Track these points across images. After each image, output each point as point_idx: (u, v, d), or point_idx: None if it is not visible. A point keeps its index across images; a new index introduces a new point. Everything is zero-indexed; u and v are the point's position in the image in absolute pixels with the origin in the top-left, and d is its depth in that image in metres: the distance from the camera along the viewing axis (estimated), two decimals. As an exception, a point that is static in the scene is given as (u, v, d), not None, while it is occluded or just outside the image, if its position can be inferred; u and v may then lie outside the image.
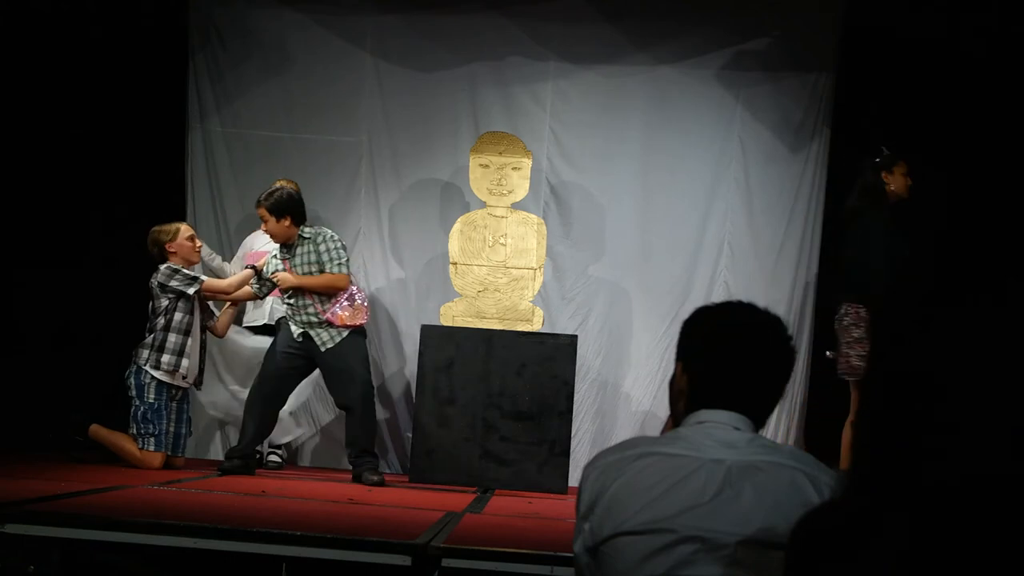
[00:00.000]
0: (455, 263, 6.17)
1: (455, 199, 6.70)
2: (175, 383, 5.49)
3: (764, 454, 1.69)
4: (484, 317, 6.04)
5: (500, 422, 5.71)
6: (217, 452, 6.59)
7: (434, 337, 5.84)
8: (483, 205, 6.25)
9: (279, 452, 6.08)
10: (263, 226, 5.58)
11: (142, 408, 5.41)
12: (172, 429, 5.50)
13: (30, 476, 4.45)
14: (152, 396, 5.42)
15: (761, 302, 1.84)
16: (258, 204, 5.52)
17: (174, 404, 5.53)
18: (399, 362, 6.68)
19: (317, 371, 5.74)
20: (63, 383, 6.33)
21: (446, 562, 3.08)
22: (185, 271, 5.50)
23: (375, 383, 6.66)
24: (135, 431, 5.41)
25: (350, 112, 6.78)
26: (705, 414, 1.75)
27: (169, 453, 5.47)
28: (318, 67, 6.78)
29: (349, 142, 6.78)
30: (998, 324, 1.02)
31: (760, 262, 6.63)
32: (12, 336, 6.15)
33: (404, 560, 3.08)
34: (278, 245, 5.68)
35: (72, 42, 6.44)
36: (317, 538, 3.14)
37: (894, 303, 1.12)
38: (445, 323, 6.00)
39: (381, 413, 6.64)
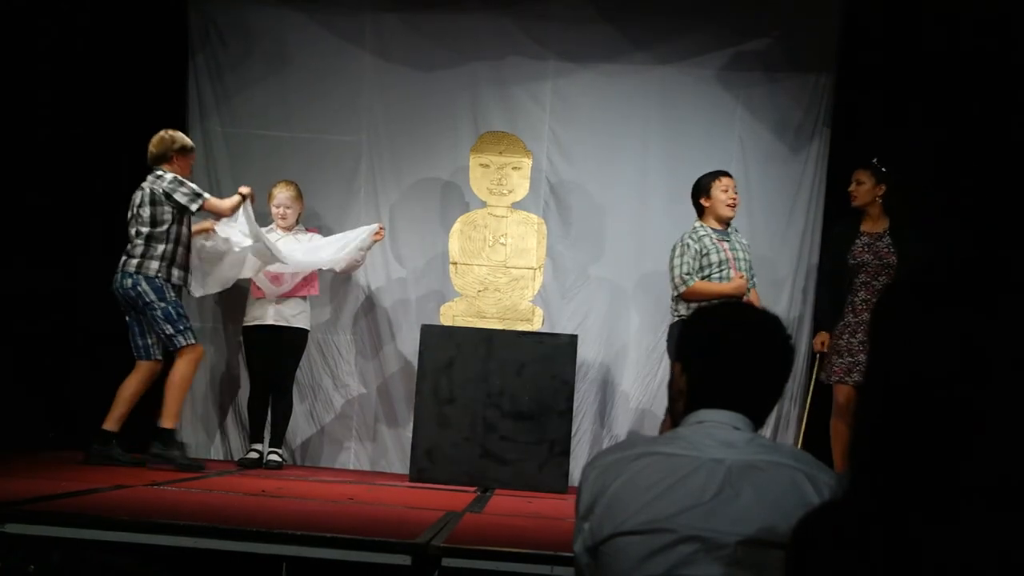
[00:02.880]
0: (455, 263, 6.17)
1: (455, 199, 6.70)
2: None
3: (764, 454, 1.69)
4: (484, 317, 6.05)
5: (500, 422, 5.72)
6: (217, 452, 6.60)
7: (434, 337, 5.84)
8: (483, 205, 6.25)
9: (279, 452, 6.08)
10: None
11: (169, 307, 5.27)
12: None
13: (30, 476, 4.45)
14: (172, 294, 5.33)
15: (760, 302, 1.84)
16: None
17: None
18: (399, 362, 6.68)
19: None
20: (64, 382, 6.34)
21: (446, 562, 3.08)
22: (190, 183, 5.40)
23: (375, 383, 6.69)
24: (170, 331, 5.25)
25: (350, 111, 6.78)
26: (704, 414, 1.75)
27: (160, 359, 5.39)
28: (318, 66, 6.78)
29: (349, 141, 6.78)
30: (999, 326, 1.02)
31: (759, 262, 6.63)
32: (11, 336, 6.14)
33: (404, 560, 3.08)
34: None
35: (72, 42, 6.44)
36: (317, 538, 3.14)
37: (893, 304, 1.12)
38: (445, 323, 6.00)
39: (381, 413, 6.66)
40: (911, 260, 5.39)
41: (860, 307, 5.53)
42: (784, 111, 6.68)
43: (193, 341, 5.36)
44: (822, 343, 5.68)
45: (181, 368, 5.34)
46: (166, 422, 5.34)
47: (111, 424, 5.36)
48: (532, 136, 6.57)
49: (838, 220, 5.96)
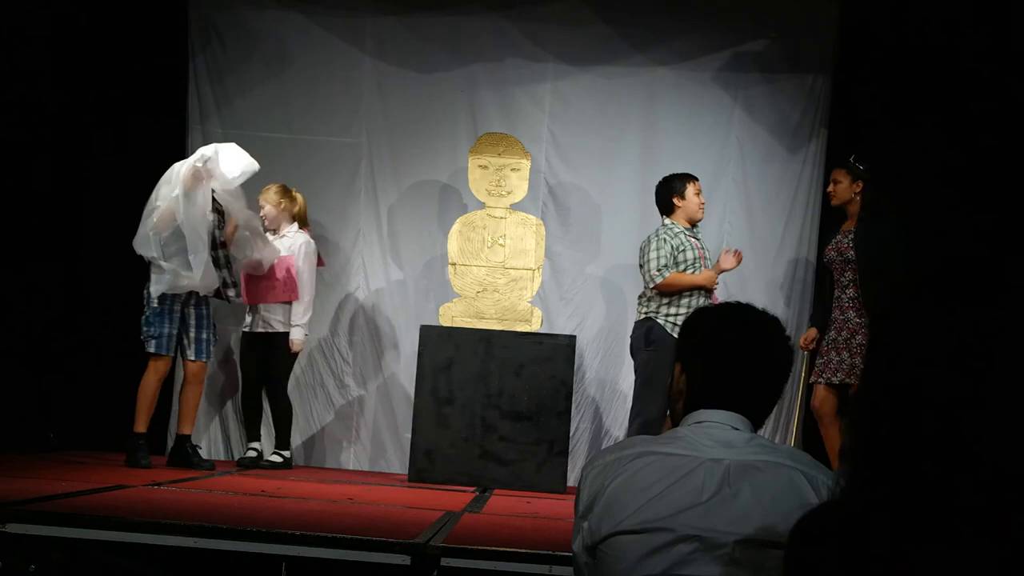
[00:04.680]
0: (454, 264, 6.18)
1: (454, 200, 6.71)
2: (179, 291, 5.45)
3: (762, 454, 1.69)
4: (483, 317, 6.05)
5: (499, 422, 5.73)
6: (218, 452, 6.60)
7: (433, 337, 5.85)
8: (482, 206, 6.26)
9: (281, 453, 6.08)
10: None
11: (147, 312, 5.43)
12: (192, 334, 5.52)
13: (30, 476, 4.46)
14: (156, 302, 5.42)
15: (759, 302, 1.85)
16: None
17: (189, 309, 5.51)
18: (398, 363, 6.68)
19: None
20: (64, 383, 6.34)
21: (445, 561, 3.09)
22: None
23: (375, 383, 6.69)
24: (142, 334, 5.44)
25: (349, 113, 6.79)
26: (703, 414, 1.76)
27: (193, 359, 5.55)
28: (318, 68, 6.79)
29: (348, 143, 6.79)
30: (1000, 327, 1.02)
31: (758, 262, 6.64)
32: (11, 336, 6.14)
33: (403, 559, 3.09)
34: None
35: (72, 43, 6.44)
36: (317, 538, 3.15)
37: (892, 305, 1.13)
38: (444, 323, 6.01)
39: (381, 413, 6.67)
40: (868, 252, 5.38)
41: (832, 304, 5.54)
42: (782, 112, 6.69)
43: (152, 351, 5.43)
44: (812, 340, 5.62)
45: (144, 376, 5.48)
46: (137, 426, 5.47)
47: (184, 427, 5.65)
48: (531, 137, 6.58)
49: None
